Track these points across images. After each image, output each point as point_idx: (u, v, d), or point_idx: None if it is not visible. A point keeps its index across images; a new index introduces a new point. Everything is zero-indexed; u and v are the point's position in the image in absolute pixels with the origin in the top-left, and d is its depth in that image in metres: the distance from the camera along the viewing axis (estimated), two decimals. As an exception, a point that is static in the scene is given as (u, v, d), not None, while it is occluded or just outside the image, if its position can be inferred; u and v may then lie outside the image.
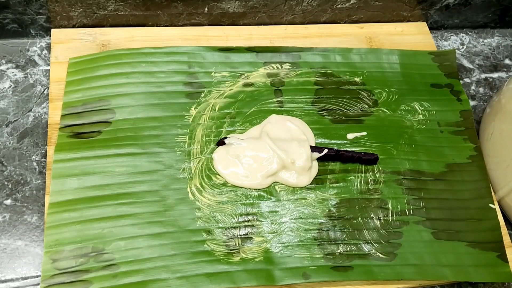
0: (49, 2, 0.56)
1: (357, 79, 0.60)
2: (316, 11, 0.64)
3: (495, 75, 0.68)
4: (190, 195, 0.50)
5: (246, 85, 0.58)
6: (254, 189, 0.51)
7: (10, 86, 0.57)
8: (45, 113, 0.55)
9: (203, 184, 0.51)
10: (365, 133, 0.56)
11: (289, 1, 0.62)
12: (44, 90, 0.57)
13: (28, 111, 0.55)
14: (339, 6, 0.64)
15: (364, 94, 0.59)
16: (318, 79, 0.59)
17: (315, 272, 0.48)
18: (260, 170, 0.52)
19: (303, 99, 0.58)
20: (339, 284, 0.48)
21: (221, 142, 0.53)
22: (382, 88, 0.60)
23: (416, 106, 0.59)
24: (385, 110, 0.59)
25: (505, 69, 0.69)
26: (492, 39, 0.71)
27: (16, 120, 0.55)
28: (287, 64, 0.60)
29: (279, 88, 0.58)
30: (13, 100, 0.56)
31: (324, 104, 0.58)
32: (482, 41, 0.71)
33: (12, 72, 0.58)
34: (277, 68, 0.59)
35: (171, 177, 0.51)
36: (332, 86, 0.59)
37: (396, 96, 0.60)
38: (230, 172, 0.52)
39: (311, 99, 0.58)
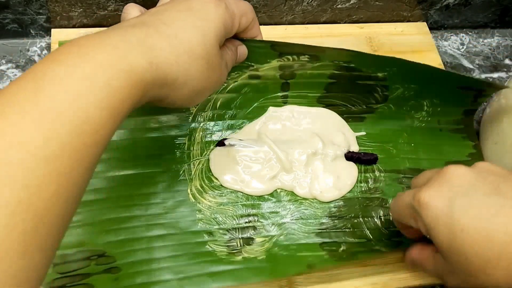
0: (49, 2, 0.56)
1: (380, 74, 0.54)
2: (316, 11, 0.64)
3: (495, 75, 0.68)
4: (190, 197, 0.50)
5: (253, 77, 0.54)
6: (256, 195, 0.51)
7: (10, 87, 0.56)
8: (45, 114, 0.55)
9: (204, 185, 0.51)
10: (363, 133, 0.56)
11: (289, 1, 0.62)
12: (44, 90, 0.57)
13: (29, 112, 0.55)
14: (339, 6, 0.64)
15: (378, 89, 0.55)
16: (335, 72, 0.53)
17: (318, 264, 0.48)
18: (260, 172, 0.52)
19: (309, 94, 0.55)
20: (338, 280, 0.48)
21: (221, 143, 0.53)
22: (402, 84, 0.55)
23: (424, 103, 0.56)
24: (391, 106, 0.56)
25: (505, 69, 0.68)
26: (492, 39, 0.71)
27: (16, 121, 0.54)
28: (306, 56, 0.52)
29: (288, 81, 0.54)
30: (13, 101, 0.56)
31: (330, 99, 0.55)
32: (482, 41, 0.71)
33: (12, 72, 0.57)
34: (293, 59, 0.52)
35: (171, 179, 0.51)
36: (347, 81, 0.54)
37: (412, 93, 0.55)
38: (228, 176, 0.51)
39: (318, 95, 0.55)
